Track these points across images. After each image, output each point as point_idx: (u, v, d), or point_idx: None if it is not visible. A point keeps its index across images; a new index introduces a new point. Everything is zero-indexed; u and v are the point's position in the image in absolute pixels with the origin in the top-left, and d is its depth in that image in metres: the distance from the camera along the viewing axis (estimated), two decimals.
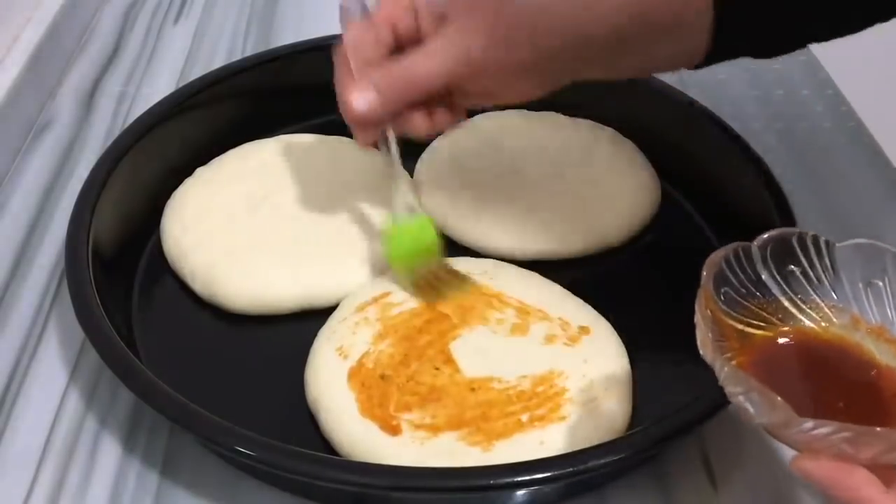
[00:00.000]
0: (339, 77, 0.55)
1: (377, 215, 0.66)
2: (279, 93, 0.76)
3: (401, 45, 0.55)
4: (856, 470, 0.38)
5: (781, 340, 0.46)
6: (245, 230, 0.64)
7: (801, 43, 0.54)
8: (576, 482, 0.51)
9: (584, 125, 0.73)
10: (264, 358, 0.59)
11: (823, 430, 0.38)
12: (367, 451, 0.51)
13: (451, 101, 0.56)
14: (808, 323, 0.47)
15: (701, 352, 0.43)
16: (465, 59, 0.52)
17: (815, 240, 0.47)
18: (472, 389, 0.54)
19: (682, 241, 0.68)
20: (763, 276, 0.47)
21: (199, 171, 0.69)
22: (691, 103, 0.71)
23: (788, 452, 0.53)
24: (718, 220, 0.67)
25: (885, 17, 0.51)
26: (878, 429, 0.38)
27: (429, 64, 0.53)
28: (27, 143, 0.76)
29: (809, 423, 0.38)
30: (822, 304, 0.47)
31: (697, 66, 0.52)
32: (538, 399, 0.53)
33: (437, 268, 0.60)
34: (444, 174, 0.70)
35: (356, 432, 0.52)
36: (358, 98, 0.54)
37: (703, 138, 0.69)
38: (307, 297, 0.61)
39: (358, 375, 0.55)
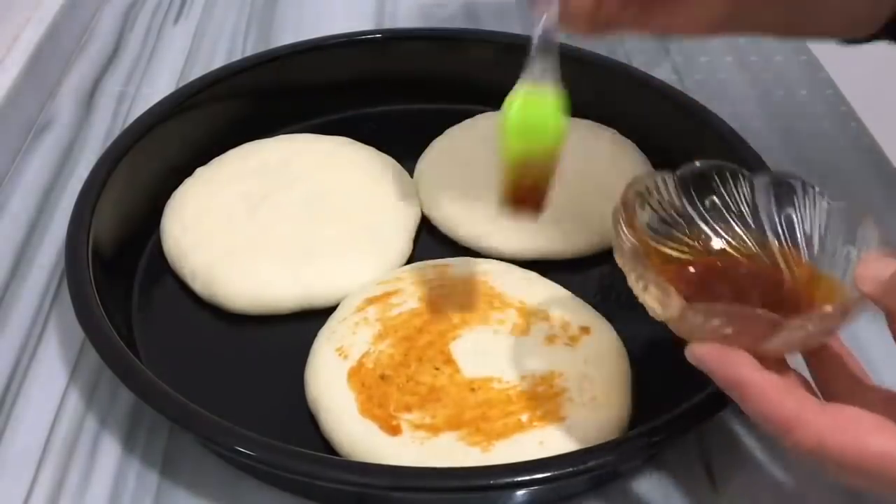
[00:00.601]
0: None
1: (377, 215, 0.66)
2: (279, 93, 0.76)
3: None
4: (737, 351, 0.42)
5: (699, 264, 0.49)
6: (245, 230, 0.64)
7: None
8: (576, 482, 0.51)
9: (584, 125, 0.73)
10: (264, 358, 0.59)
11: (705, 314, 0.42)
12: (367, 451, 0.51)
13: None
14: (727, 249, 0.50)
15: (616, 256, 0.46)
16: None
17: (734, 172, 0.50)
18: (472, 389, 0.54)
19: None
20: (684, 205, 0.50)
21: (199, 171, 0.69)
22: (691, 103, 0.71)
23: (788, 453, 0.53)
24: None
25: None
26: (758, 310, 0.41)
27: None
28: (27, 143, 0.76)
29: (699, 309, 0.42)
30: (741, 233, 0.50)
31: (863, 40, 0.53)
32: (538, 399, 0.53)
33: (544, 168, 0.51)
34: (444, 174, 0.70)
35: (356, 432, 0.52)
36: None
37: (703, 138, 0.69)
38: (307, 297, 0.61)
39: (358, 375, 0.55)
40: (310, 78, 0.76)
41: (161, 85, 0.82)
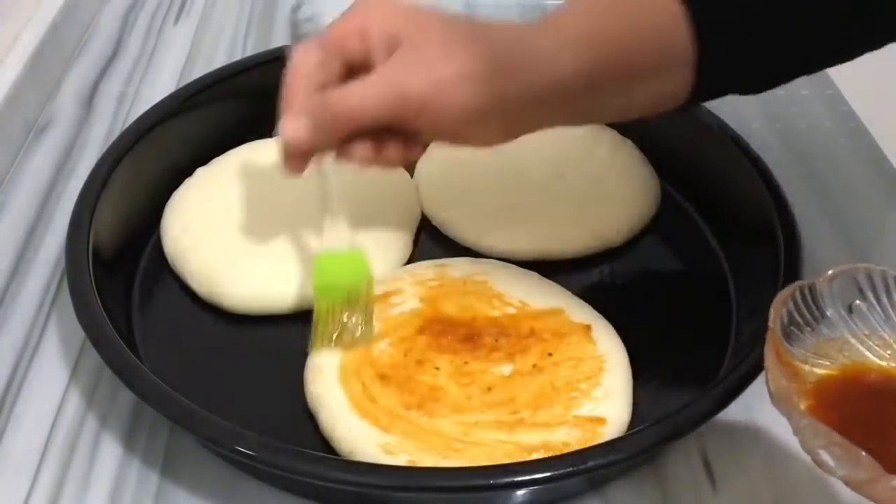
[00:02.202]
0: (283, 100, 0.52)
1: (377, 215, 0.66)
2: (279, 93, 0.75)
3: (353, 72, 0.51)
4: None
5: (849, 378, 0.46)
6: (245, 230, 0.64)
7: (788, 77, 0.53)
8: (576, 482, 0.51)
9: (584, 127, 0.73)
10: (264, 358, 0.59)
11: None
12: (367, 450, 0.51)
13: (407, 136, 0.52)
14: (874, 359, 0.47)
15: (772, 401, 0.43)
16: (401, 98, 0.48)
17: (884, 275, 0.46)
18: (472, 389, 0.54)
19: (682, 241, 0.68)
20: (829, 313, 0.47)
21: (200, 171, 0.69)
22: None
23: (789, 453, 0.53)
24: (718, 220, 0.67)
25: (871, 48, 0.52)
26: None
27: (362, 98, 0.49)
28: (27, 143, 0.76)
29: None
30: (890, 339, 0.47)
31: (682, 108, 0.52)
32: (538, 399, 0.53)
33: (358, 309, 0.56)
34: (444, 174, 0.70)
35: (355, 432, 0.52)
36: (287, 126, 0.51)
37: (702, 138, 0.69)
38: (307, 297, 0.61)
39: (358, 375, 0.54)
40: None
41: (161, 85, 0.82)
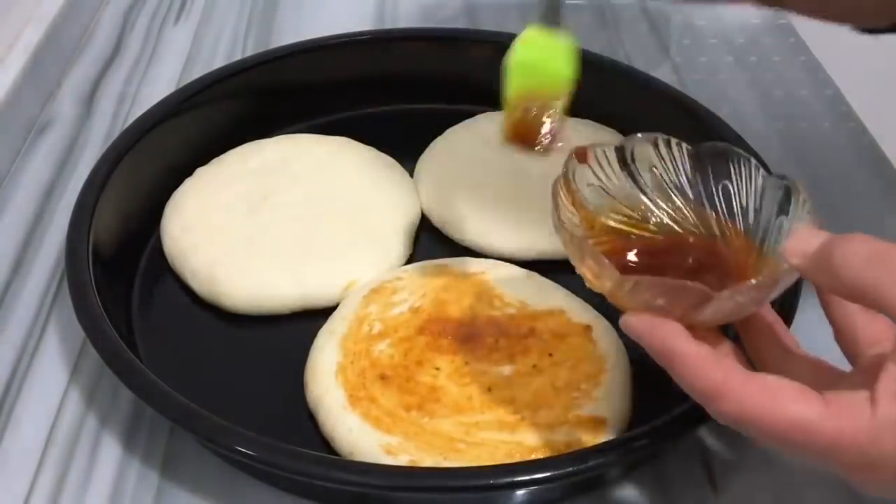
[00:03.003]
0: None
1: (377, 215, 0.66)
2: (279, 93, 0.76)
3: None
4: (668, 322, 0.42)
5: (639, 237, 0.50)
6: (245, 230, 0.64)
7: None
8: (576, 482, 0.51)
9: (584, 125, 0.73)
10: (264, 358, 0.59)
11: (637, 287, 0.42)
12: (367, 450, 0.51)
13: None
14: (666, 220, 0.51)
15: (553, 228, 0.47)
16: None
17: (668, 143, 0.50)
18: (473, 390, 0.54)
19: None
20: (625, 177, 0.51)
21: (200, 170, 0.69)
22: (691, 103, 0.71)
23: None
24: None
25: None
26: (688, 283, 0.42)
27: None
28: (27, 143, 0.76)
29: (632, 281, 0.43)
30: (680, 205, 0.51)
31: None
32: (538, 399, 0.53)
33: (548, 108, 0.53)
34: (444, 174, 0.70)
35: (355, 432, 0.52)
36: None
37: (702, 138, 0.68)
38: (307, 297, 0.61)
39: (357, 375, 0.54)
40: (310, 78, 0.76)
41: (161, 85, 0.82)
